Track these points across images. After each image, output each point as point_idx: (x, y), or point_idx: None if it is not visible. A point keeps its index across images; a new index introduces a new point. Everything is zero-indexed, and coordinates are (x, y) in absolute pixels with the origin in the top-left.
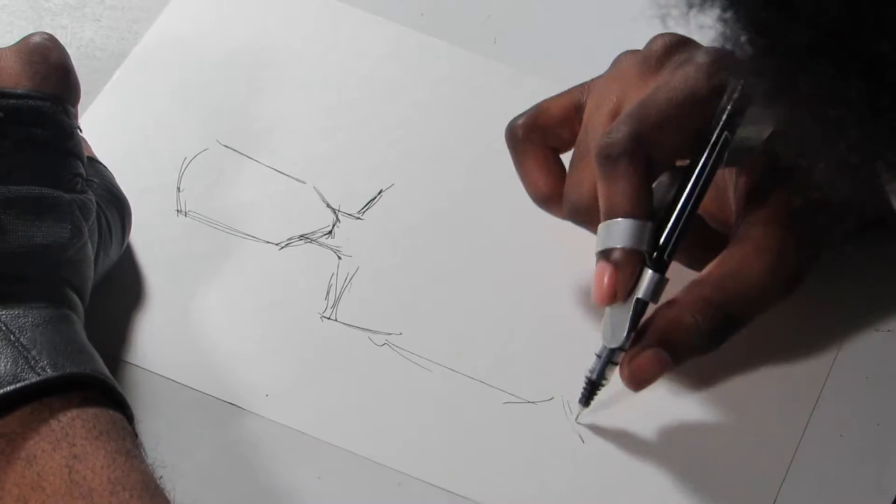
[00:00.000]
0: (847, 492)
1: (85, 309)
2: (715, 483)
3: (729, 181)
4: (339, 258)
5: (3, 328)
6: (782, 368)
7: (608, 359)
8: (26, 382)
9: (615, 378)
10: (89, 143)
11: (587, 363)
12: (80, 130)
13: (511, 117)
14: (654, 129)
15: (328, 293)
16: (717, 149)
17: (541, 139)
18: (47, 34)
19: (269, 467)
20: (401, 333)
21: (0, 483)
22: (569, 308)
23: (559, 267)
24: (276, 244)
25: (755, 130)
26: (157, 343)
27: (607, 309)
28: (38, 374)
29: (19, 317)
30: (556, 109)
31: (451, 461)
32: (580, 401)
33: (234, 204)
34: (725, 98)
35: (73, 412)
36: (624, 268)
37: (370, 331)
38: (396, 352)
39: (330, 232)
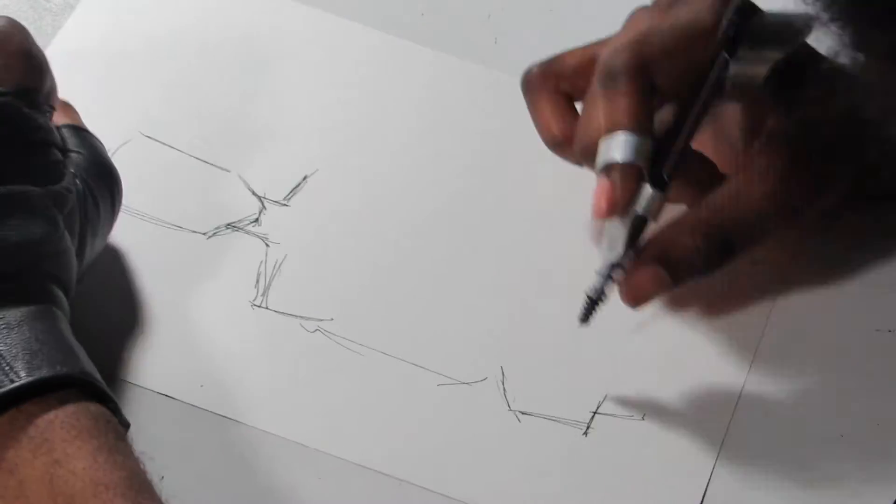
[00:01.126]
0: (847, 492)
1: (70, 298)
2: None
3: (735, 130)
4: (267, 245)
5: None
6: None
7: (607, 275)
8: (1, 391)
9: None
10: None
11: (520, 343)
12: (52, 107)
13: (437, 99)
14: (656, 54)
15: (258, 281)
16: (716, 70)
17: (554, 85)
18: (5, 18)
19: (269, 466)
20: (332, 319)
21: None
22: (498, 288)
23: (487, 245)
24: (204, 234)
25: (757, 64)
26: (83, 334)
27: (606, 224)
28: (13, 381)
29: None
30: (571, 59)
31: (386, 444)
32: (580, 318)
33: (160, 194)
34: (724, 21)
35: (51, 415)
36: (623, 181)
37: (302, 317)
38: (329, 337)
39: (256, 220)
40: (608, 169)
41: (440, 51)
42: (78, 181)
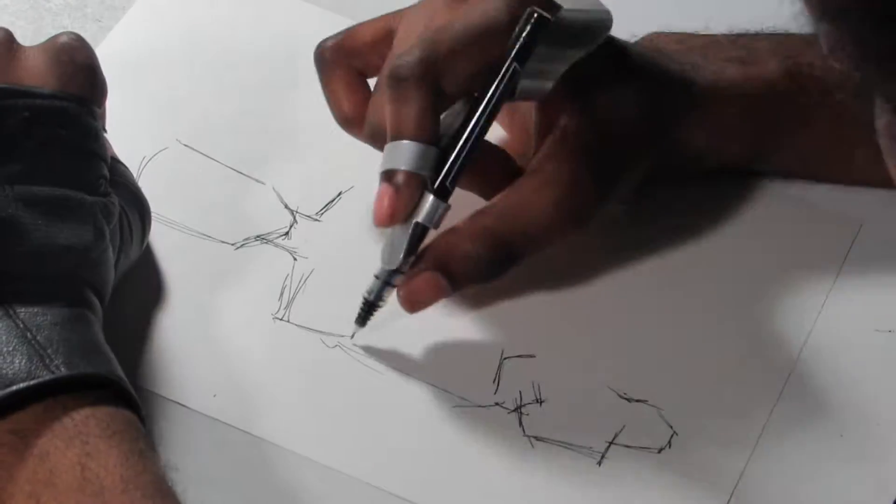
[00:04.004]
0: (847, 492)
1: (104, 309)
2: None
3: (531, 117)
4: (295, 259)
5: (21, 325)
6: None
7: (386, 280)
8: (40, 380)
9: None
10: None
11: (539, 367)
12: (106, 131)
13: None
14: (446, 56)
15: (282, 294)
16: (506, 79)
17: (348, 61)
18: (75, 34)
19: (278, 479)
20: (353, 336)
21: (13, 479)
22: (518, 310)
23: (513, 269)
24: (232, 244)
25: (554, 63)
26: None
27: (388, 231)
28: (53, 373)
29: (37, 315)
30: (366, 33)
31: (397, 464)
32: (356, 321)
33: (192, 203)
34: (517, 29)
35: (87, 410)
36: (404, 190)
37: (322, 332)
38: (348, 354)
39: (287, 233)
40: (390, 175)
41: None
42: (119, 201)
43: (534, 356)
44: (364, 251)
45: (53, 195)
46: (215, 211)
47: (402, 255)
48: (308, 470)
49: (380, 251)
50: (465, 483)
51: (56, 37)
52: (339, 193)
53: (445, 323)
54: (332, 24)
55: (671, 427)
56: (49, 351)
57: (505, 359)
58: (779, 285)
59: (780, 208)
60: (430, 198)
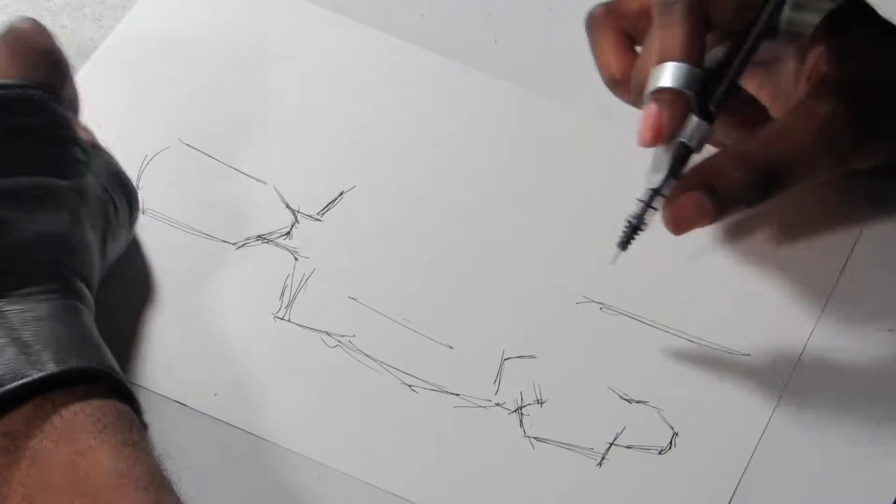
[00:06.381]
0: (847, 492)
1: (94, 295)
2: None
3: (780, 84)
4: (296, 259)
5: (6, 324)
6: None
7: (648, 202)
8: (28, 379)
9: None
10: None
11: (542, 368)
12: (76, 112)
13: (477, 121)
14: None
15: (283, 293)
16: (770, 9)
17: (617, 24)
18: (29, 19)
19: (276, 478)
20: (354, 335)
21: (6, 482)
22: (522, 312)
23: (514, 271)
24: (233, 244)
25: (811, 12)
26: (103, 334)
27: (653, 151)
28: (40, 370)
29: (23, 311)
30: (634, 1)
31: (397, 464)
32: (618, 244)
33: (194, 203)
34: None
35: (77, 406)
36: (670, 107)
37: (323, 332)
38: (349, 354)
39: (288, 233)
40: (656, 94)
41: (440, 51)
42: (98, 185)
43: (534, 357)
44: (365, 251)
45: (25, 185)
46: (216, 210)
47: (664, 174)
48: (308, 469)
49: (643, 175)
50: (465, 483)
51: (9, 25)
52: (341, 193)
53: (446, 323)
54: (332, 24)
55: (672, 428)
56: (37, 347)
57: (506, 359)
58: (780, 285)
59: (782, 209)
60: (695, 119)
